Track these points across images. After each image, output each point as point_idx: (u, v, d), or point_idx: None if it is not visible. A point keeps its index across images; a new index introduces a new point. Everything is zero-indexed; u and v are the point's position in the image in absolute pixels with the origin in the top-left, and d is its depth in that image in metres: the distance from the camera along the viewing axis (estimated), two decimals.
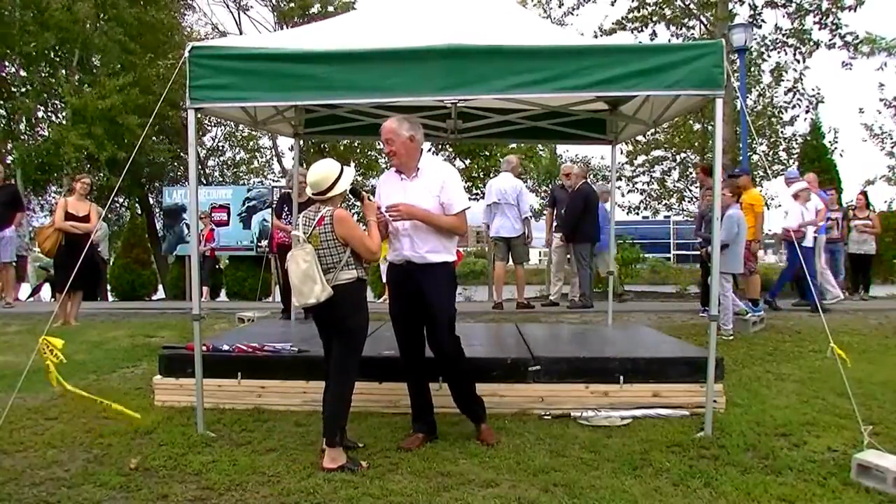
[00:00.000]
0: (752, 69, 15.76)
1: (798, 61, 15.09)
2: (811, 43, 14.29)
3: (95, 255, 10.24)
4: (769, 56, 15.79)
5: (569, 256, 9.57)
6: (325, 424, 3.46)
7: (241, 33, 19.80)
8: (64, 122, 16.11)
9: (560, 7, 15.46)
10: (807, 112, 16.06)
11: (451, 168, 3.96)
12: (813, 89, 16.51)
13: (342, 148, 19.03)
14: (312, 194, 3.51)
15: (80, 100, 14.87)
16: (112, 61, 16.70)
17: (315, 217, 3.48)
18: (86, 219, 7.91)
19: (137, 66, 16.38)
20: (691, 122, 18.11)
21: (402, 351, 3.93)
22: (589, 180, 10.40)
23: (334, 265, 3.42)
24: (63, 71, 16.68)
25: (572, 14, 15.39)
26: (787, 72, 16.22)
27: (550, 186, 10.15)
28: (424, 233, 3.72)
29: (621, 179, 19.02)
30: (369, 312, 3.60)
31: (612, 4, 14.30)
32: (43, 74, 16.39)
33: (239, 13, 20.51)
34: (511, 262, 9.14)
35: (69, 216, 7.82)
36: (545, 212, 10.69)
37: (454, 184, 3.80)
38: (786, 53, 15.19)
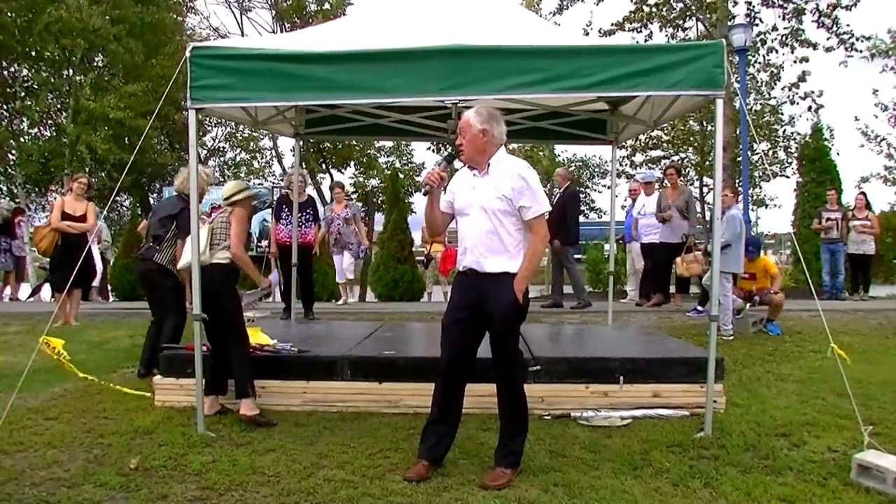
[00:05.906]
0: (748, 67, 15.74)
1: (796, 62, 15.10)
2: (801, 39, 14.29)
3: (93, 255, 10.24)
4: (759, 55, 15.76)
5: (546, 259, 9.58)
6: (236, 384, 4.30)
7: (242, 35, 19.77)
8: (64, 121, 16.03)
9: (555, 11, 15.43)
10: (809, 111, 16.04)
11: (526, 166, 3.44)
12: (815, 92, 16.50)
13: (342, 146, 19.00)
14: (224, 199, 4.60)
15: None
16: (116, 61, 16.63)
17: (221, 212, 4.59)
18: (83, 218, 7.88)
19: (139, 64, 16.29)
20: (690, 122, 18.10)
21: (444, 360, 3.46)
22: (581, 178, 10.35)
23: (218, 243, 4.41)
24: (69, 71, 16.56)
25: (559, 14, 15.36)
26: (783, 69, 16.24)
27: None
28: (484, 237, 3.35)
29: (621, 177, 19.01)
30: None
31: (597, 4, 14.39)
32: (44, 74, 16.30)
33: (241, 14, 20.50)
34: None
35: (66, 216, 7.78)
36: None
37: (531, 185, 3.33)
38: (783, 54, 15.20)
